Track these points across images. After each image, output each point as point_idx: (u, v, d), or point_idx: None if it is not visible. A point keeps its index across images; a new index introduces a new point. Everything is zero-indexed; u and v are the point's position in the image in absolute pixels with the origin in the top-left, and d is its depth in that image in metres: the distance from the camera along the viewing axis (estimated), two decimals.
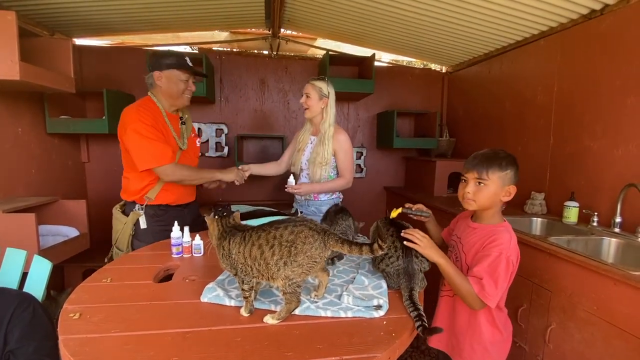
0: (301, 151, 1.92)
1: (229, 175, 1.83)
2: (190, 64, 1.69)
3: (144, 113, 1.61)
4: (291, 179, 1.84)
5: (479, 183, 1.11)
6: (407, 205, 1.27)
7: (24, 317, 1.14)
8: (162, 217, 1.72)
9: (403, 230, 1.11)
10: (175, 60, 1.65)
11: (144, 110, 1.62)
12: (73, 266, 2.40)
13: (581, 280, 1.34)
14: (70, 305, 0.99)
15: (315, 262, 0.91)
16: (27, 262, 1.43)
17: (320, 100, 1.84)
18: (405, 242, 1.08)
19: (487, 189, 1.10)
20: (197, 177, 1.74)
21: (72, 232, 2.12)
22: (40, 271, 1.37)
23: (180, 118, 1.78)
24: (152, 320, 0.92)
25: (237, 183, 1.86)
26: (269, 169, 2.04)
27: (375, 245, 0.90)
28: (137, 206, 1.68)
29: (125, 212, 1.73)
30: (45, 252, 1.80)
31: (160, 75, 1.65)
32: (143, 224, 1.68)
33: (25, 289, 1.34)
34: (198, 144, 1.90)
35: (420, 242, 1.07)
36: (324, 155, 1.82)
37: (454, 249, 1.22)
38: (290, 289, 0.90)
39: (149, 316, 0.94)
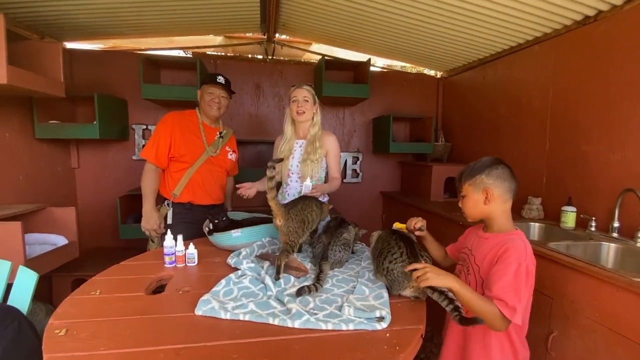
0: (289, 157, 1.91)
1: (147, 219, 1.84)
2: (220, 81, 1.89)
3: (172, 116, 1.88)
4: (308, 183, 1.81)
5: (461, 196, 1.15)
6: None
7: (8, 333, 1.08)
8: (186, 215, 1.88)
9: (406, 267, 1.04)
10: (206, 78, 1.93)
11: (175, 115, 1.90)
12: (61, 276, 2.32)
13: (582, 287, 1.32)
14: (56, 320, 0.94)
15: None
16: (13, 273, 1.37)
17: (314, 105, 1.87)
18: (415, 277, 1.00)
19: (466, 201, 1.14)
20: (143, 192, 1.86)
21: (60, 240, 2.05)
22: (26, 283, 1.31)
23: (220, 132, 1.99)
24: (143, 336, 0.87)
25: (150, 234, 1.89)
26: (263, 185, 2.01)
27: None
28: (166, 202, 1.89)
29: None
30: (32, 262, 1.73)
31: (200, 92, 1.92)
32: (169, 219, 1.87)
33: (9, 302, 1.28)
34: (230, 157, 2.05)
35: (424, 272, 0.98)
36: (316, 153, 1.85)
37: (465, 262, 1.19)
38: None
39: (140, 331, 0.89)
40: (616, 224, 1.65)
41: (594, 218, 1.76)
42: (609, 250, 1.60)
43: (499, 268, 1.00)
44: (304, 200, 1.43)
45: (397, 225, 1.32)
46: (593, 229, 1.75)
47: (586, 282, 1.30)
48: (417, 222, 1.28)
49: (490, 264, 1.05)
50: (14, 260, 1.43)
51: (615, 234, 1.65)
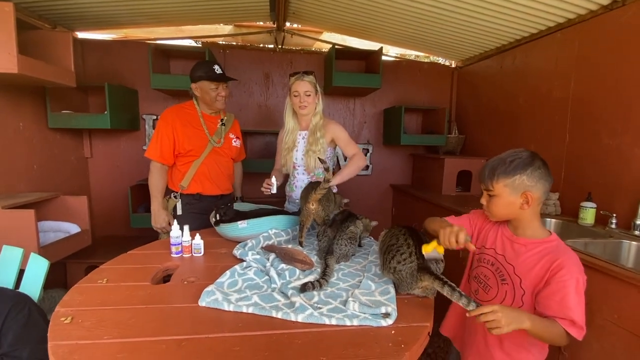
0: (293, 149, 1.85)
1: (155, 218, 1.85)
2: (219, 72, 1.82)
3: (171, 112, 1.84)
4: (274, 180, 1.74)
5: (489, 195, 1.02)
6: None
7: (18, 319, 1.10)
8: (195, 206, 1.89)
9: (469, 312, 0.86)
10: (204, 72, 1.80)
11: (174, 110, 1.86)
12: (75, 263, 2.38)
13: (601, 287, 1.26)
14: (62, 307, 0.95)
15: None
16: (25, 260, 1.40)
17: (316, 95, 1.80)
18: (482, 320, 0.84)
19: (497, 201, 1.00)
20: (151, 191, 1.85)
21: (73, 228, 2.09)
22: (37, 270, 1.34)
23: (221, 120, 1.94)
24: (147, 325, 0.87)
25: (161, 231, 1.89)
26: (279, 175, 1.94)
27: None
28: (173, 194, 1.90)
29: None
30: (45, 249, 1.77)
31: (196, 86, 1.84)
32: (179, 210, 1.89)
33: (21, 289, 1.31)
34: (235, 144, 2.01)
35: (496, 316, 0.82)
36: (317, 144, 1.77)
37: (497, 268, 1.05)
38: None
39: (144, 321, 0.89)
40: (639, 222, 1.57)
41: (614, 215, 1.68)
42: (630, 249, 1.53)
43: (558, 288, 0.90)
44: (314, 185, 1.43)
45: (425, 250, 1.01)
46: (613, 226, 1.68)
47: (605, 281, 1.25)
48: (460, 235, 0.94)
49: (538, 278, 0.95)
50: (28, 247, 1.46)
51: (637, 232, 1.58)
